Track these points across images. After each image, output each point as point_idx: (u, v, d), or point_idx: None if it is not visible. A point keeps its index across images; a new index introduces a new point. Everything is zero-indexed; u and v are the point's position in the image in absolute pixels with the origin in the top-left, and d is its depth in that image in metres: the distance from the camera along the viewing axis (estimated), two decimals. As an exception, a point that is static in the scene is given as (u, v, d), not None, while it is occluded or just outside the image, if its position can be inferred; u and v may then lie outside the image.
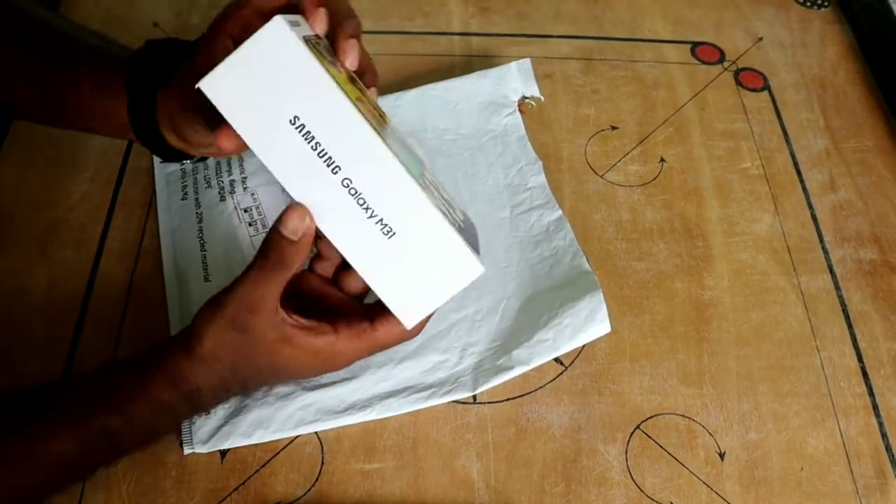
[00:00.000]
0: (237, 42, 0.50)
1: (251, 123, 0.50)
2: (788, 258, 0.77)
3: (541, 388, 0.68)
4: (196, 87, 0.48)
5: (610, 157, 0.83)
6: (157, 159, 0.78)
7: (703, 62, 0.92)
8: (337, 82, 0.48)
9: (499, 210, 0.77)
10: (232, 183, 0.77)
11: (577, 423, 0.66)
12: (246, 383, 0.59)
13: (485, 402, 0.67)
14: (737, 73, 0.91)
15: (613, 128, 0.85)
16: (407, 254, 0.51)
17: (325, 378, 0.66)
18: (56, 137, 0.80)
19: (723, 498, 0.63)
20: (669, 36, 0.95)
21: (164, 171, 0.78)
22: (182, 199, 0.76)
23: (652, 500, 0.63)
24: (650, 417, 0.67)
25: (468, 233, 0.54)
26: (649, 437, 0.66)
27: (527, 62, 0.86)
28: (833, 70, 0.93)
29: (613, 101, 0.88)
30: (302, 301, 0.57)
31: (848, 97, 0.90)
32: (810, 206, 0.81)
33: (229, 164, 0.78)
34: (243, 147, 0.52)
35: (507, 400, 0.67)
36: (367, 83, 0.58)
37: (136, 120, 0.63)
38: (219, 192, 0.77)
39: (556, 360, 0.69)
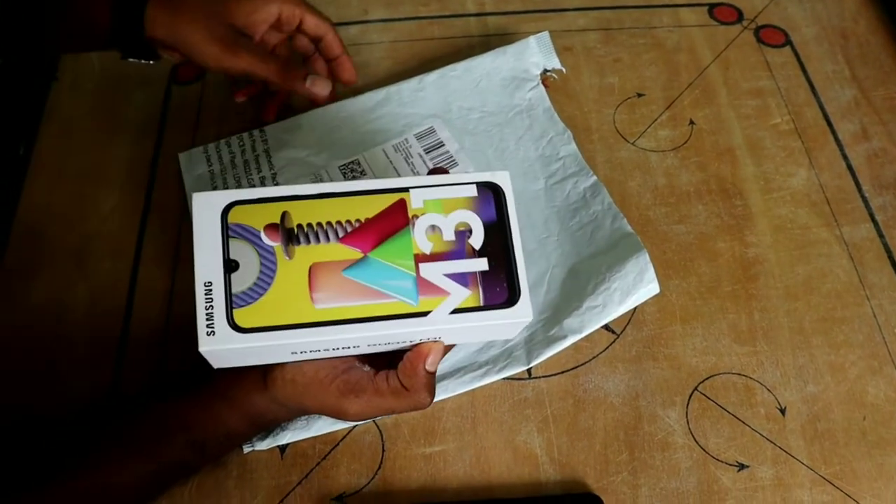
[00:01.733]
0: None
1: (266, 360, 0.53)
2: (828, 210, 0.76)
3: (594, 357, 0.67)
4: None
5: (639, 123, 0.82)
6: (184, 166, 0.77)
7: (722, 23, 0.91)
8: (294, 319, 0.48)
9: (532, 182, 0.76)
10: (262, 180, 0.76)
11: (634, 390, 0.66)
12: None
13: (540, 377, 0.66)
14: (757, 31, 0.90)
15: (639, 95, 0.84)
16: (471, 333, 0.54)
17: None
18: (83, 150, 0.79)
19: (788, 453, 0.63)
20: (685, -1, 0.94)
21: (193, 175, 0.77)
22: None
23: (717, 460, 0.62)
24: (707, 378, 0.66)
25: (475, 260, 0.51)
26: (708, 398, 0.65)
27: (545, 35, 0.85)
28: (853, 20, 0.92)
29: (636, 68, 0.87)
30: None
31: (871, 46, 0.89)
32: (845, 157, 0.80)
33: (258, 161, 0.77)
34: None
35: (563, 372, 0.66)
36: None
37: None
38: None
39: (607, 328, 0.68)
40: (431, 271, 0.50)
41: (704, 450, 0.63)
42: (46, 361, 0.68)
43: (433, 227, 0.50)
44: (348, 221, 0.50)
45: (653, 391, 0.66)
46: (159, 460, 0.55)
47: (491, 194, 0.52)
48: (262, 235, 0.49)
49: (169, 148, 0.80)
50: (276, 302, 0.48)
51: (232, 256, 0.48)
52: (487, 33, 0.90)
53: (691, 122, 0.82)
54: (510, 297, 0.50)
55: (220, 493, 0.61)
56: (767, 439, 0.63)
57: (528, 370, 0.66)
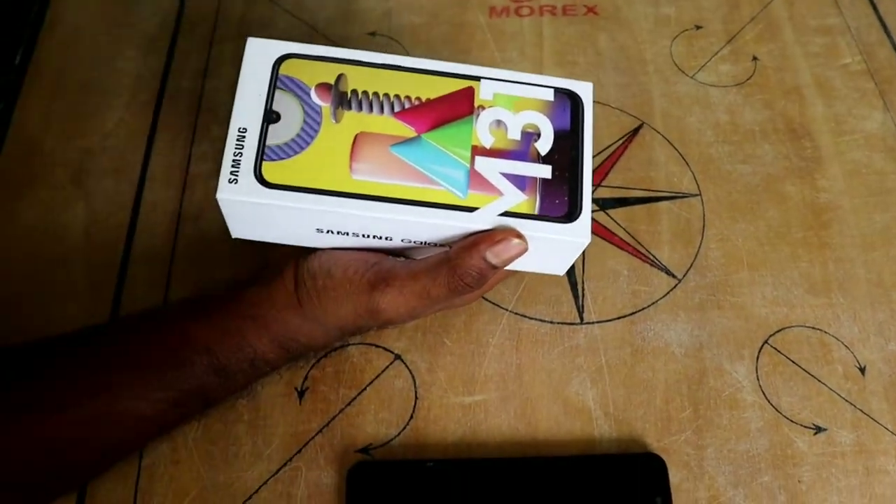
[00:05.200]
0: None
1: (288, 235, 0.48)
2: (906, 156, 0.69)
3: (653, 304, 0.60)
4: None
5: (698, 57, 0.75)
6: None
7: (786, -45, 0.84)
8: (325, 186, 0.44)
9: None
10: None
11: (698, 341, 0.59)
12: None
13: (594, 322, 0.59)
14: (824, -34, 0.83)
15: (697, 27, 0.77)
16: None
17: None
18: (86, 61, 0.72)
19: (870, 416, 0.56)
20: (744, -70, 0.86)
21: None
22: None
23: (792, 421, 0.56)
24: (778, 331, 0.59)
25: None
26: (780, 352, 0.58)
27: None
28: (928, -43, 0.84)
29: (693, -1, 0.79)
30: None
31: (949, -15, 0.82)
32: (922, 102, 0.73)
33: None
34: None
35: (619, 318, 0.59)
36: None
37: None
38: None
39: (668, 272, 0.61)
40: (487, 166, 0.45)
41: (777, 409, 0.56)
42: (39, 285, 0.60)
43: (499, 122, 0.46)
44: (407, 97, 0.45)
45: (718, 342, 0.59)
46: (178, 387, 0.49)
47: (568, 102, 0.47)
48: (312, 93, 0.45)
49: (181, 63, 0.72)
50: (311, 163, 0.44)
51: (275, 107, 0.45)
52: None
53: (754, 58, 0.75)
54: (569, 212, 0.45)
55: (228, 439, 0.54)
56: (846, 400, 0.57)
57: (580, 315, 0.59)
